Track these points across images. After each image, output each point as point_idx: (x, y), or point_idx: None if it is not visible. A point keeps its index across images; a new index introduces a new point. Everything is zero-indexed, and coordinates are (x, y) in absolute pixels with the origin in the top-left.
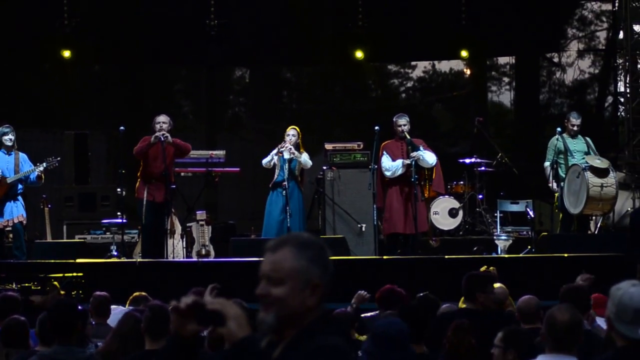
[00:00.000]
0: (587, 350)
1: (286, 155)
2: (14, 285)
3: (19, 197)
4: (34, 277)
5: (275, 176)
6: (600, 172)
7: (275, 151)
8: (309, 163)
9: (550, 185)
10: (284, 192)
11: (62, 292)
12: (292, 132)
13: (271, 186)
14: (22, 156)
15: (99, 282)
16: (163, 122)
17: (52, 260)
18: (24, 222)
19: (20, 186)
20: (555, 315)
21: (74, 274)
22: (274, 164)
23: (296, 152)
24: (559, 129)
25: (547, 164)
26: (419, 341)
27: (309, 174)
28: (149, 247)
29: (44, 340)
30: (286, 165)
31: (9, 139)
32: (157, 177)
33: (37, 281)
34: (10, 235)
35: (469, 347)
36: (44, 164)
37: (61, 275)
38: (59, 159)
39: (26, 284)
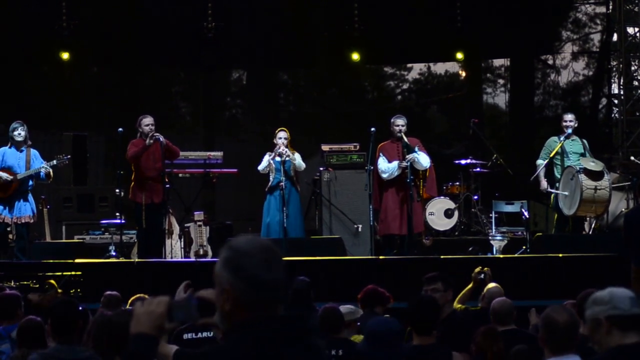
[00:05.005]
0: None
1: (282, 157)
2: (12, 283)
3: (29, 195)
4: (32, 275)
5: (271, 180)
6: (594, 175)
7: (271, 155)
8: (303, 165)
9: (542, 184)
10: (282, 192)
11: (59, 291)
12: (283, 135)
13: (267, 190)
14: (34, 152)
15: (97, 282)
16: (152, 124)
17: (51, 261)
18: (31, 221)
19: (30, 183)
20: (554, 317)
21: (73, 272)
22: (268, 169)
23: (291, 155)
24: (560, 137)
25: (539, 161)
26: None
27: (306, 175)
28: (147, 250)
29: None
30: (281, 167)
31: (18, 134)
32: (154, 179)
33: (36, 279)
34: (11, 235)
35: (497, 352)
36: (54, 162)
37: (60, 273)
38: (69, 156)
39: (25, 282)
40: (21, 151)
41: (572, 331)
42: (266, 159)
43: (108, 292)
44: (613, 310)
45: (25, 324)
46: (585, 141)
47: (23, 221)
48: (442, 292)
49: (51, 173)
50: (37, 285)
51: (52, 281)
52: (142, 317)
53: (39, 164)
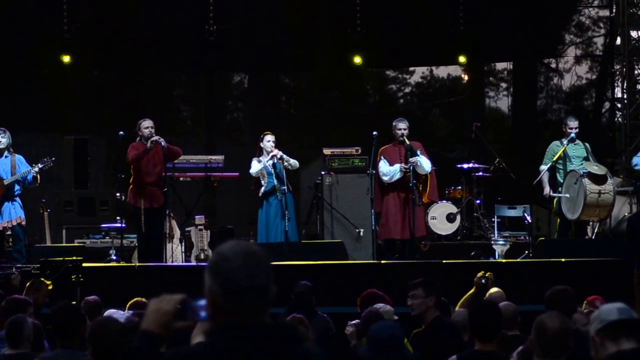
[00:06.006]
0: (580, 352)
1: (272, 161)
2: (13, 270)
3: (17, 199)
4: (33, 260)
5: (264, 185)
6: (598, 179)
7: (267, 159)
8: (297, 164)
9: (545, 189)
10: (283, 196)
11: (48, 283)
12: (272, 138)
13: (262, 195)
14: (19, 158)
15: (97, 286)
16: (151, 127)
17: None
18: (23, 223)
19: (17, 187)
20: (545, 322)
21: (74, 258)
22: (259, 174)
23: (285, 156)
24: (563, 141)
25: (543, 167)
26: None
27: (307, 179)
28: (147, 255)
29: (12, 344)
30: (272, 171)
31: None
32: (153, 182)
33: (38, 263)
34: (10, 240)
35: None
36: (39, 165)
37: (61, 258)
38: (53, 159)
39: (27, 266)
40: (5, 157)
41: (561, 338)
42: (257, 163)
43: (87, 298)
44: (601, 323)
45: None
46: (587, 145)
47: (15, 223)
48: (422, 299)
49: (38, 177)
50: (38, 271)
51: (42, 278)
52: (150, 315)
53: (24, 168)
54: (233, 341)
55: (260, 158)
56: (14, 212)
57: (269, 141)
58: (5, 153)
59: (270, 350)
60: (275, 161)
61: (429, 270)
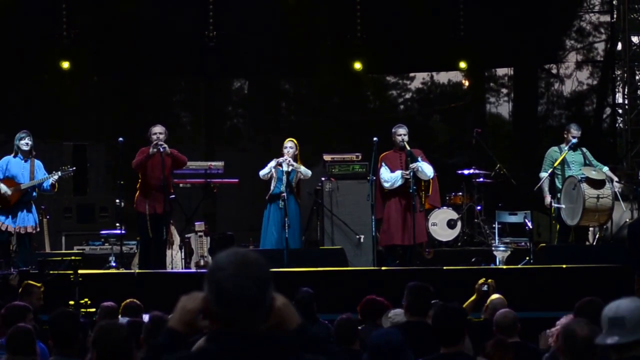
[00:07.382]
0: None
1: (285, 168)
2: (11, 270)
3: (33, 205)
4: (33, 261)
5: (272, 188)
6: (597, 184)
7: (273, 163)
8: (309, 173)
9: (545, 199)
10: (282, 203)
11: (41, 287)
12: (290, 145)
13: (268, 198)
14: (38, 163)
15: (97, 292)
16: (159, 133)
17: (53, 272)
18: (34, 232)
19: (34, 193)
20: (575, 330)
21: (72, 257)
22: (271, 176)
23: (295, 164)
24: (563, 146)
25: (543, 174)
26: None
27: (308, 185)
28: (148, 260)
29: (13, 352)
30: (284, 177)
31: (25, 143)
32: (157, 188)
33: (35, 264)
34: (13, 243)
35: None
36: (59, 173)
37: (59, 258)
38: (74, 168)
39: (24, 268)
40: (26, 161)
41: (591, 345)
42: (269, 165)
43: (104, 304)
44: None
45: (15, 331)
46: (585, 150)
47: (28, 231)
48: None
49: (56, 185)
50: (37, 271)
51: (32, 282)
52: (176, 312)
53: (42, 174)
54: (223, 350)
55: (280, 160)
56: (27, 219)
57: (285, 147)
58: (28, 157)
59: None
60: (290, 169)
61: (430, 277)
